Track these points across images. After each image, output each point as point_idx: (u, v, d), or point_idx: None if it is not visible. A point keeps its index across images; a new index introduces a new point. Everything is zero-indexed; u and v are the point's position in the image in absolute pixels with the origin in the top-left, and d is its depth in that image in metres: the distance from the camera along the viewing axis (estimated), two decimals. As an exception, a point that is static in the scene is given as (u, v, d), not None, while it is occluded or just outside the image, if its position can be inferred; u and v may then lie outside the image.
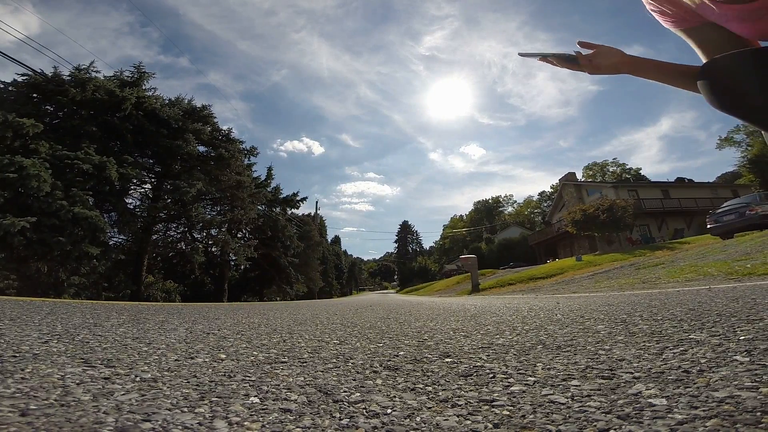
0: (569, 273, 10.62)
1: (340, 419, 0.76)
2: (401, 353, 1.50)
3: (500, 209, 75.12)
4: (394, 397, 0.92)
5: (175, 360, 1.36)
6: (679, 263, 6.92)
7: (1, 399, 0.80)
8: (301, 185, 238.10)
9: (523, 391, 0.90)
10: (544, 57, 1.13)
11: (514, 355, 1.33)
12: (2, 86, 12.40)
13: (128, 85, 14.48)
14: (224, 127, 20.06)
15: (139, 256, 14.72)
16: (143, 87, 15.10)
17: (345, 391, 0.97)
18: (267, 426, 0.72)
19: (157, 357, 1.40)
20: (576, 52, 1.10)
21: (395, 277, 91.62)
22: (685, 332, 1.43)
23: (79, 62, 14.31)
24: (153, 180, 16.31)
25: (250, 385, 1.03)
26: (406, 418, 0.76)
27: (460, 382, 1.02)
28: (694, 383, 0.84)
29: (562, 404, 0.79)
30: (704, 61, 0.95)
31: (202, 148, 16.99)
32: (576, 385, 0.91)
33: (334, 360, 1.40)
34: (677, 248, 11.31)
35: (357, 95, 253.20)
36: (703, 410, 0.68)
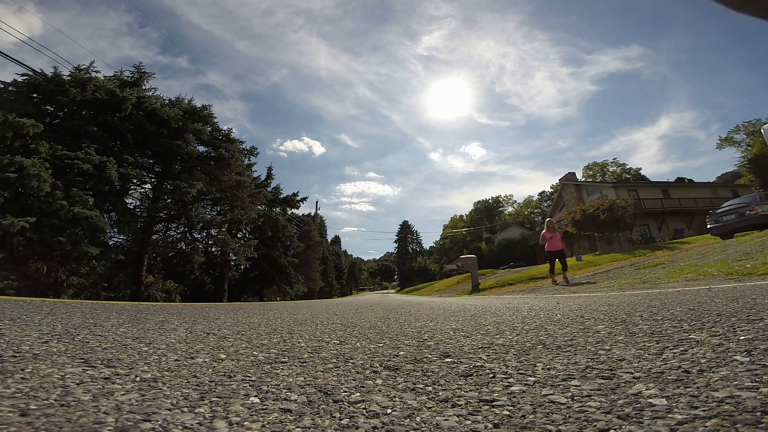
0: (569, 273, 10.60)
1: (340, 419, 0.76)
2: (401, 353, 1.50)
3: (500, 209, 75.12)
4: (394, 397, 0.92)
5: (175, 360, 1.36)
6: (679, 263, 6.92)
7: (1, 399, 0.80)
8: (301, 185, 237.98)
9: (523, 391, 0.90)
10: None
11: (514, 355, 1.33)
12: (2, 86, 12.39)
13: (128, 85, 14.47)
14: (224, 127, 20.06)
15: (139, 256, 14.71)
16: (143, 87, 15.09)
17: (345, 391, 0.97)
18: (267, 426, 0.72)
19: (157, 357, 1.40)
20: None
21: (395, 277, 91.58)
22: (685, 332, 1.43)
23: (79, 62, 14.28)
24: (153, 180, 16.29)
25: (250, 385, 1.02)
26: (406, 418, 0.76)
27: (460, 382, 1.02)
28: (694, 383, 0.84)
29: (562, 404, 0.79)
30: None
31: (202, 148, 16.98)
32: (576, 385, 0.91)
33: (334, 360, 1.40)
34: (677, 248, 11.30)
35: (356, 95, 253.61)
36: (703, 410, 0.68)
